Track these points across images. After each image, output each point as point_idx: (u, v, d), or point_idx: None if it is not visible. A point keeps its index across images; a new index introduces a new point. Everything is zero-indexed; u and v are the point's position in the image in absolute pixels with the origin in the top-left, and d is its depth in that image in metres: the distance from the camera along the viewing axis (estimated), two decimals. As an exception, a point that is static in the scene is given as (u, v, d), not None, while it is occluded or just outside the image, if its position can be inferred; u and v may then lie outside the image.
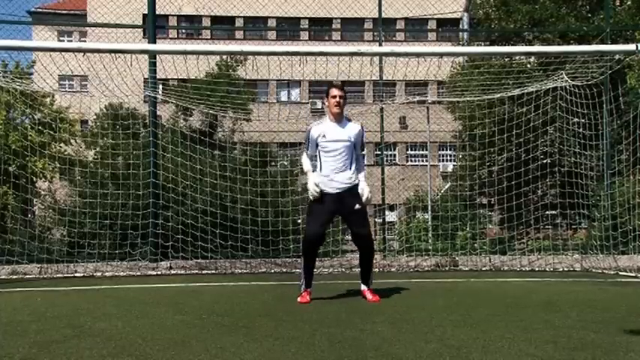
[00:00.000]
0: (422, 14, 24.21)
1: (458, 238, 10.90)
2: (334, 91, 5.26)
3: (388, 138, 13.76)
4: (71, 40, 33.80)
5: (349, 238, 10.83)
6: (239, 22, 32.43)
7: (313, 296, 5.31)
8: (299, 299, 5.13)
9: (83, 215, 9.94)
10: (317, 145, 5.29)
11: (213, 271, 9.15)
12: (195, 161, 10.37)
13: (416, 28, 33.86)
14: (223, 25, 32.67)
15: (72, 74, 19.65)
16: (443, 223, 10.84)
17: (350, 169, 5.24)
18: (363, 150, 5.48)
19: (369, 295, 5.28)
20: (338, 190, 5.19)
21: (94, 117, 14.76)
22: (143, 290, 6.66)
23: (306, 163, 5.40)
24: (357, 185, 5.26)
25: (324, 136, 5.23)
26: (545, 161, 12.38)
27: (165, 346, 3.17)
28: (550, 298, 5.40)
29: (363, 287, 5.41)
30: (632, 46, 8.17)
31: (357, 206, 5.22)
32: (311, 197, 5.22)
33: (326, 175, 5.21)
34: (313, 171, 5.31)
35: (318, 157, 5.32)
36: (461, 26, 21.98)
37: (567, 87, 9.63)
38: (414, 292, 6.11)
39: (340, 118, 5.30)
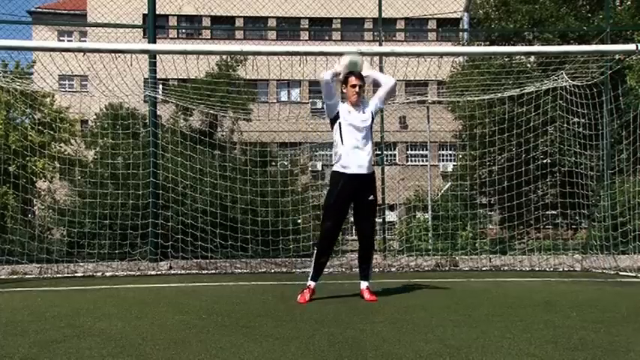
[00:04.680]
0: (422, 14, 24.15)
1: (458, 238, 10.89)
2: (353, 80, 5.29)
3: (388, 138, 13.73)
4: (71, 40, 33.81)
5: (349, 238, 10.78)
6: (239, 22, 32.43)
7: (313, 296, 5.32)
8: (298, 298, 5.14)
9: (83, 215, 9.94)
10: (338, 117, 5.31)
11: (213, 271, 9.15)
12: (195, 161, 10.37)
13: (416, 28, 33.84)
14: (223, 25, 32.65)
15: (72, 74, 19.62)
16: (443, 223, 10.85)
17: (369, 148, 5.31)
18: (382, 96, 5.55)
19: (366, 295, 5.29)
20: (356, 172, 5.21)
21: (94, 117, 14.75)
22: (143, 290, 6.66)
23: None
24: (372, 175, 5.37)
25: (349, 112, 5.30)
26: (545, 161, 12.39)
27: (165, 346, 3.17)
28: (550, 298, 5.40)
29: (363, 285, 5.41)
30: (632, 46, 8.16)
31: (371, 197, 5.33)
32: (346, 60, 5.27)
33: (348, 147, 5.23)
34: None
35: (339, 130, 5.30)
36: (461, 26, 21.93)
37: (567, 87, 9.63)
38: (414, 292, 6.10)
39: (359, 105, 5.36)
